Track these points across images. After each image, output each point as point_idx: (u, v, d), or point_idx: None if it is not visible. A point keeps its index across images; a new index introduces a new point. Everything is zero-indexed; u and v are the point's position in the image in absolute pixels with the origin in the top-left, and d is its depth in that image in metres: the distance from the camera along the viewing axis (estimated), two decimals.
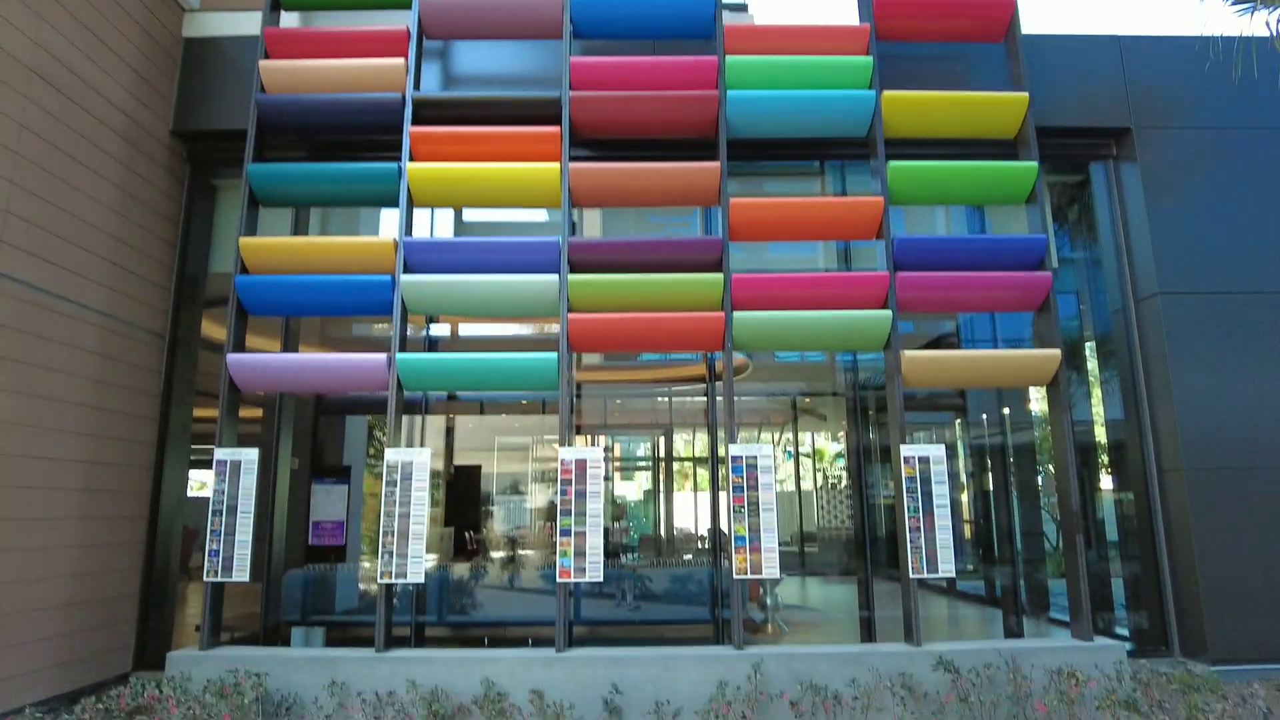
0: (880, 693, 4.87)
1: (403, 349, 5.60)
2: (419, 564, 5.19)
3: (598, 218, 7.30)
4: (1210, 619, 5.80)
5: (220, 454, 5.32)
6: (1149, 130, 6.66)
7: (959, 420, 8.42)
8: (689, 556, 11.34)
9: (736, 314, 5.64)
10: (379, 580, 5.18)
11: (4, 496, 4.82)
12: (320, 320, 7.66)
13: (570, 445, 5.48)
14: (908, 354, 5.60)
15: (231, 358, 5.50)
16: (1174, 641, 6.09)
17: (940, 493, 5.45)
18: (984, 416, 7.96)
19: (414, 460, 5.35)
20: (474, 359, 5.69)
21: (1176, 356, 6.20)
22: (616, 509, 13.92)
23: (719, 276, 5.72)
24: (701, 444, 12.89)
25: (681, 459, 14.31)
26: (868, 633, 6.38)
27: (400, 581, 5.17)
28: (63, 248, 5.27)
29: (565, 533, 5.35)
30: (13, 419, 4.87)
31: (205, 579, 5.19)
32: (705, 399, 6.89)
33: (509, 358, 5.64)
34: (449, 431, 13.36)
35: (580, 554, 5.31)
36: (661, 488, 13.44)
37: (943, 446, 5.53)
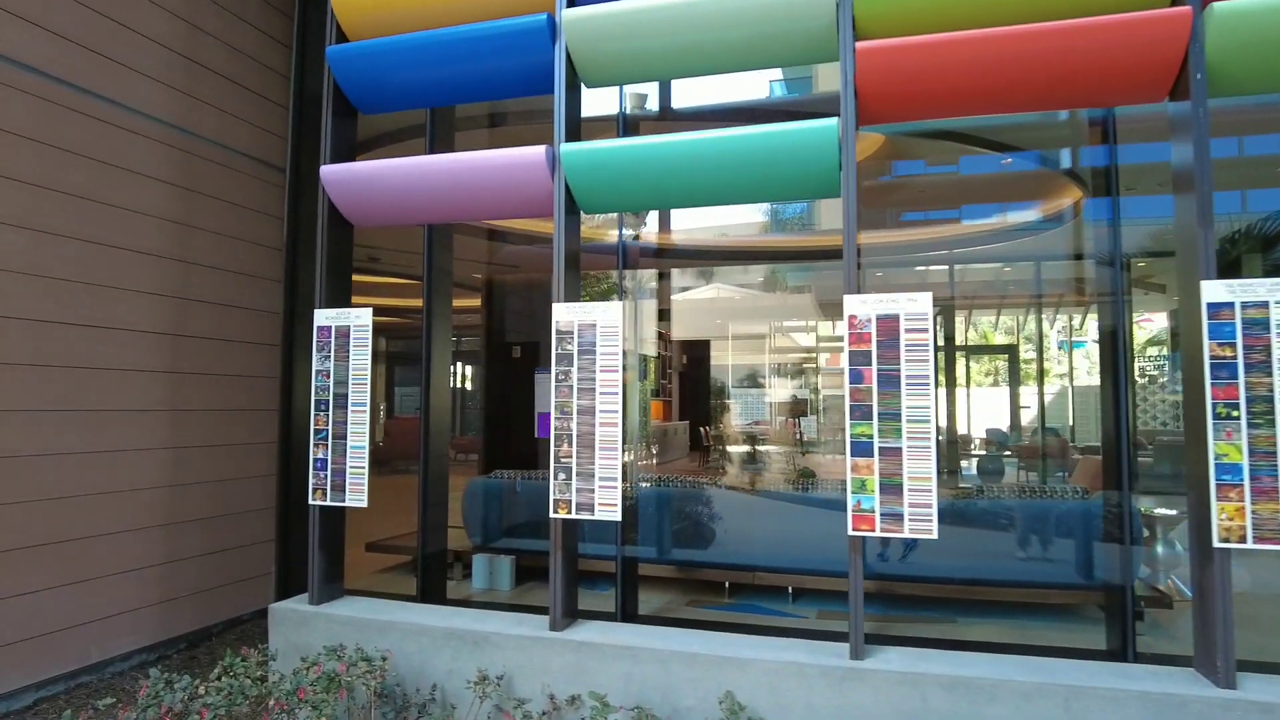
0: None
1: (573, 138, 3.37)
2: (613, 491, 3.11)
3: None
4: None
5: (320, 317, 3.54)
6: None
7: None
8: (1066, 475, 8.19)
9: (1219, 5, 2.65)
10: (552, 515, 3.19)
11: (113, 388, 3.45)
12: None
13: (859, 291, 2.98)
14: None
15: (327, 171, 3.61)
16: None
17: None
18: None
19: (598, 321, 3.19)
20: (686, 144, 3.24)
21: None
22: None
23: None
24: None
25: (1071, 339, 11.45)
26: None
27: (585, 518, 3.14)
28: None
29: (861, 449, 2.93)
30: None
31: (310, 502, 3.53)
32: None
33: (749, 133, 3.16)
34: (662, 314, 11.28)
35: (892, 489, 2.88)
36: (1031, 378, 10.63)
37: None
